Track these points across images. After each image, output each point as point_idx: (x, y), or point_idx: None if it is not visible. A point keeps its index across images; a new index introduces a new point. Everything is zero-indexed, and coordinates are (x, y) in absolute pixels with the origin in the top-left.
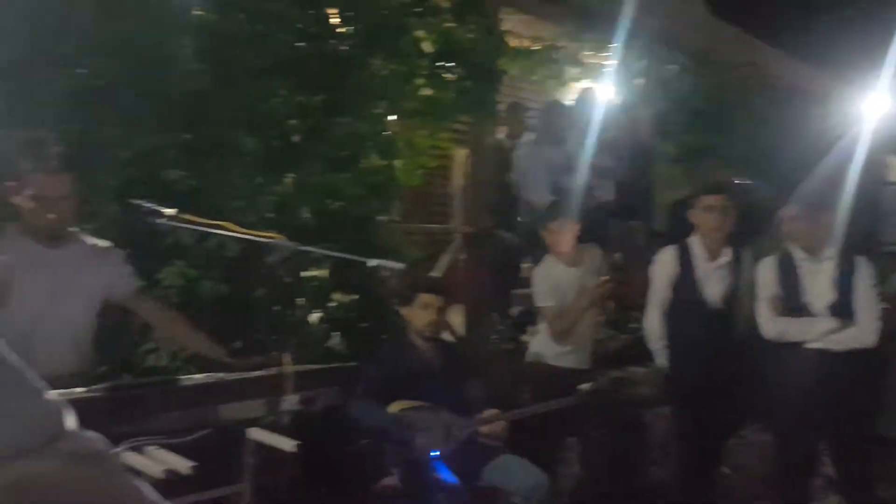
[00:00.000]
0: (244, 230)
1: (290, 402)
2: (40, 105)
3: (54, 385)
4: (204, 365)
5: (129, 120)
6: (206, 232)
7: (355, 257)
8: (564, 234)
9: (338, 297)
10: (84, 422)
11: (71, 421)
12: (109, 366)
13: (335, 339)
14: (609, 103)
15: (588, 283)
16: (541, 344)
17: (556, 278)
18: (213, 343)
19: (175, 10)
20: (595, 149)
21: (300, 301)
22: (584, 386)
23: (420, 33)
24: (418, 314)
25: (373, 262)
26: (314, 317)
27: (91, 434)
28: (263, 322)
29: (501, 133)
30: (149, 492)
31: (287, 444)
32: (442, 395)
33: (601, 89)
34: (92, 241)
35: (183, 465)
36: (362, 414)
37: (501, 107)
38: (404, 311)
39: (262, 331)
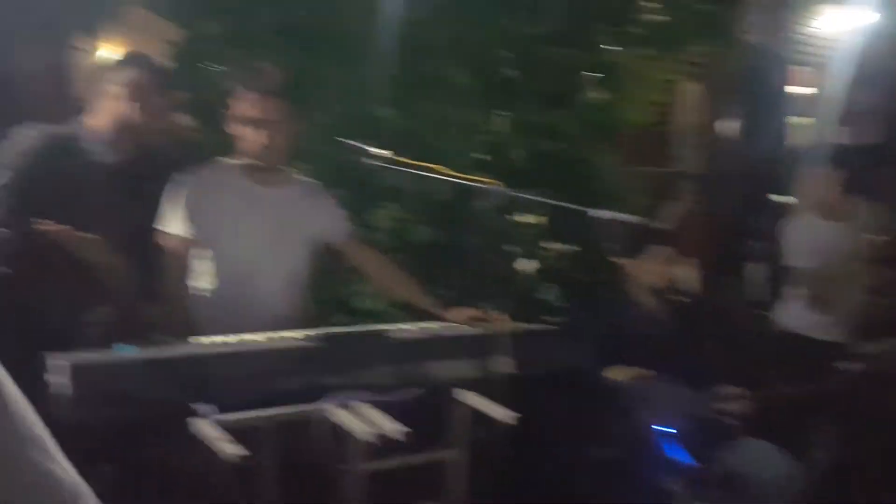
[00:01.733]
0: (456, 174)
1: (506, 364)
2: (256, 41)
3: (271, 328)
4: (415, 312)
5: (341, 55)
6: (418, 174)
7: (575, 206)
8: (821, 183)
9: (553, 247)
10: (294, 370)
11: None
12: (323, 307)
13: (549, 292)
14: (874, 28)
15: (852, 239)
16: (794, 311)
17: (813, 235)
18: (422, 292)
19: None
20: (857, 83)
21: (513, 249)
22: (847, 363)
23: None
24: (648, 269)
25: (597, 213)
26: (527, 266)
27: None
28: (474, 270)
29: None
30: None
31: (502, 413)
32: (673, 364)
33: (864, 11)
34: (305, 181)
35: (394, 429)
36: (581, 380)
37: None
38: (630, 264)
39: (472, 279)
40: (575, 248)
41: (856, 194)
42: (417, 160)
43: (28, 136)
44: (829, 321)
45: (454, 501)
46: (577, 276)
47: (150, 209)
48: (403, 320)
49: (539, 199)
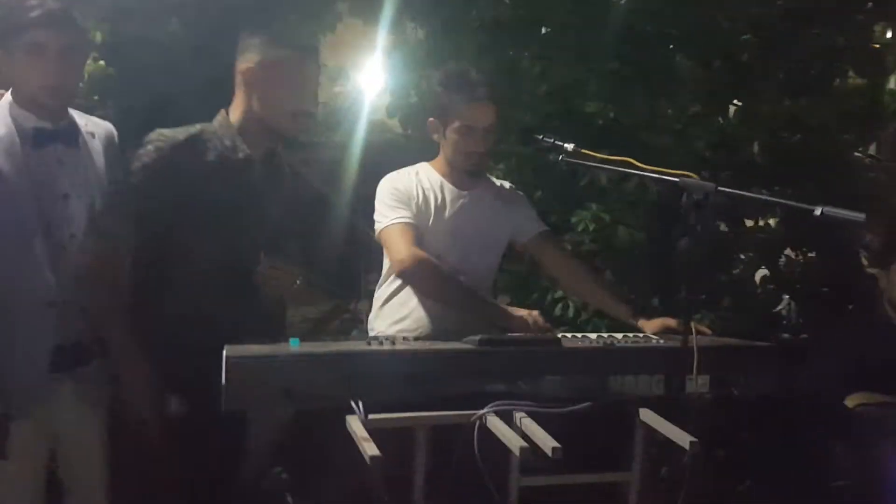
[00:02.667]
0: (650, 167)
1: (699, 382)
2: (457, 40)
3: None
4: (614, 323)
5: (549, 50)
6: (625, 172)
7: (798, 204)
8: None
9: (790, 254)
10: (455, 375)
11: None
12: None
13: (784, 304)
14: None
15: None
16: None
17: None
18: (617, 300)
19: None
20: None
21: (741, 256)
22: None
23: None
24: None
25: (819, 210)
26: (758, 275)
27: None
28: (688, 278)
29: None
30: None
31: (683, 438)
32: None
33: None
34: (498, 182)
35: (547, 444)
36: (808, 402)
37: None
38: (879, 275)
39: (686, 288)
40: (814, 254)
41: None
42: (633, 158)
43: (159, 139)
44: None
45: None
46: (816, 286)
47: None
48: (601, 330)
49: (751, 195)
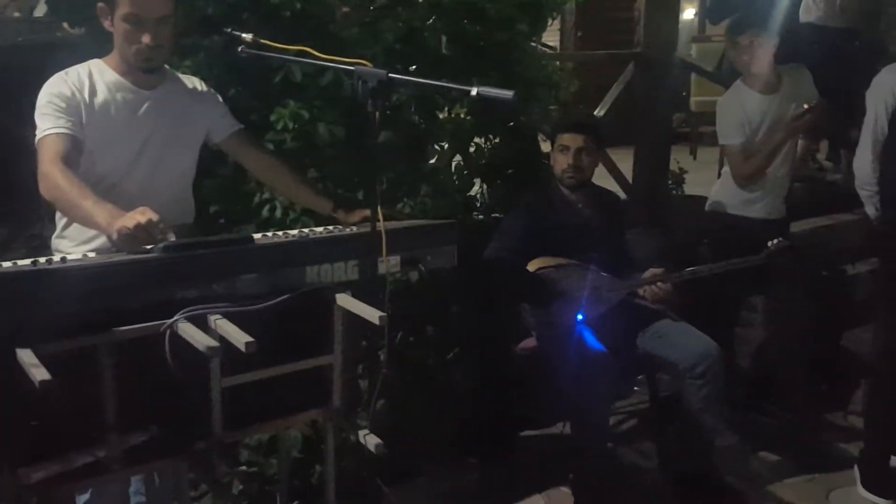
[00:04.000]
0: (325, 56)
1: (389, 263)
2: None
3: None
4: (321, 220)
5: None
6: (322, 67)
7: (457, 86)
8: (758, 50)
9: (479, 141)
10: (141, 288)
11: None
12: (225, 217)
13: (477, 188)
14: None
15: (787, 112)
16: (723, 190)
17: (747, 108)
18: (317, 195)
19: None
20: None
21: (437, 146)
22: (774, 241)
23: None
24: (558, 158)
25: (475, 91)
26: (452, 163)
27: None
28: (388, 170)
29: None
30: None
31: (373, 314)
32: (594, 252)
33: None
34: (186, 80)
35: (240, 339)
36: (496, 272)
37: None
38: (550, 153)
39: (386, 180)
40: (497, 140)
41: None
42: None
43: None
44: (757, 198)
45: (338, 406)
46: (503, 169)
47: None
48: (311, 227)
49: (415, 80)
